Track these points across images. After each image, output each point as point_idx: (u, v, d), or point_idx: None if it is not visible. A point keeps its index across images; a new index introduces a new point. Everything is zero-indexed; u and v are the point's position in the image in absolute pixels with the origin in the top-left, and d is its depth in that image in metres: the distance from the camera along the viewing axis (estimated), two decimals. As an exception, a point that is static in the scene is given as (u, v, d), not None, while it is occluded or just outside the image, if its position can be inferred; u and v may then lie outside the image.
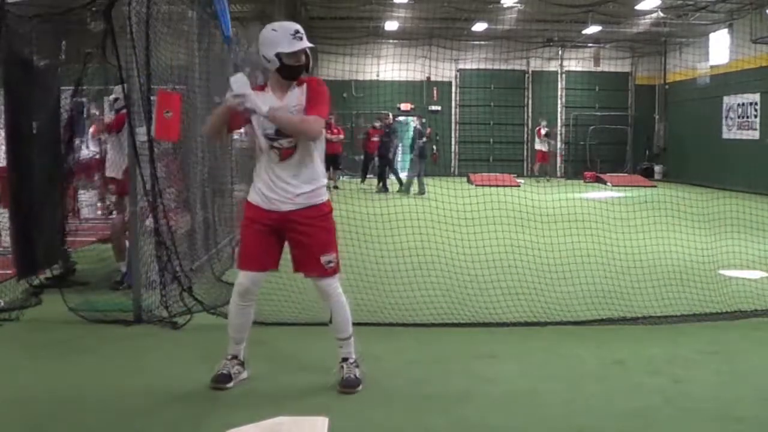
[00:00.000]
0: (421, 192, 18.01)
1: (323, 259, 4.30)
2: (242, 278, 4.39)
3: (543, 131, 24.18)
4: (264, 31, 4.31)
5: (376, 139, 20.43)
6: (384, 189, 19.29)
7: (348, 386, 4.39)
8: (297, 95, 4.31)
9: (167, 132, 6.26)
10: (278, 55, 4.19)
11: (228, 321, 4.55)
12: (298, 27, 4.27)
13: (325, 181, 4.49)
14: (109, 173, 7.51)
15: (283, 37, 4.20)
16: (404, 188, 18.62)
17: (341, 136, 20.53)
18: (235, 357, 4.55)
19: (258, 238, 4.34)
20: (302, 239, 4.31)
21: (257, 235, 4.34)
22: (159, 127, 6.13)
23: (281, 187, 4.29)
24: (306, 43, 4.25)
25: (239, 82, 4.15)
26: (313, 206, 4.33)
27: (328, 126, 20.36)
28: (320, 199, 4.37)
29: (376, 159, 20.33)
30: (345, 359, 4.49)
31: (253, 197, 4.39)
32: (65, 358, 5.18)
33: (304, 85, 4.33)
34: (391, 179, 19.86)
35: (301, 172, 4.29)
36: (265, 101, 4.24)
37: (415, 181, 18.80)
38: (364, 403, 4.26)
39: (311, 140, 4.28)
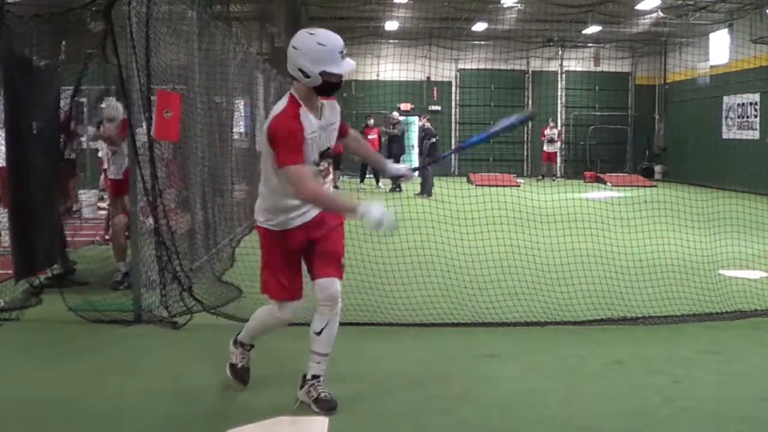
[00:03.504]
0: (429, 194, 17.85)
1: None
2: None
3: (547, 133, 24.35)
4: (305, 40, 3.84)
5: (372, 137, 20.41)
6: (397, 188, 19.35)
7: (331, 408, 4.05)
8: (329, 112, 4.05)
9: (167, 132, 6.27)
10: (322, 74, 3.82)
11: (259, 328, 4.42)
12: (342, 42, 3.90)
13: None
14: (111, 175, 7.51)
15: (331, 54, 3.81)
16: (426, 191, 18.21)
17: None
18: (252, 346, 4.45)
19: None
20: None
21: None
22: (159, 127, 6.13)
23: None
24: (352, 62, 3.91)
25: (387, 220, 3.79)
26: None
27: None
28: None
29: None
30: (317, 376, 4.14)
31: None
32: (65, 358, 5.18)
33: (333, 102, 4.09)
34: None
35: None
36: (310, 123, 3.92)
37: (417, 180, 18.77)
38: (363, 404, 4.26)
39: None
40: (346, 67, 3.86)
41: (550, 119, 24.90)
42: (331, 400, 4.08)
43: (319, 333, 4.07)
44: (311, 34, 3.86)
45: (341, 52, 3.85)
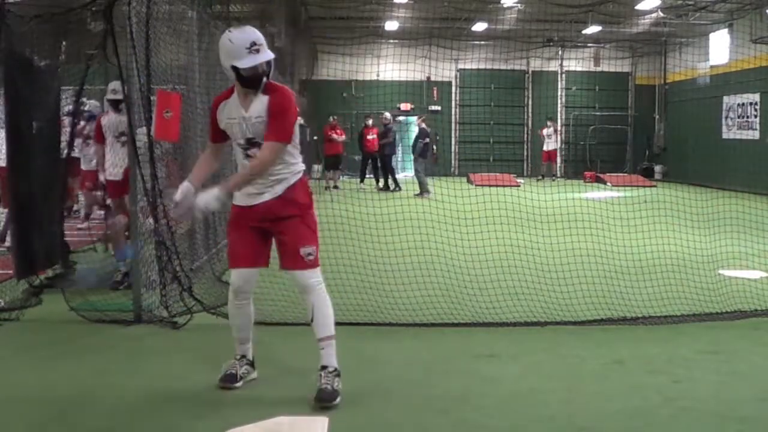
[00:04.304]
0: (428, 192, 17.85)
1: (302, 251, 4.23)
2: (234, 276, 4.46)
3: (545, 131, 24.39)
4: (222, 39, 4.14)
5: (371, 137, 20.42)
6: (396, 187, 19.55)
7: (323, 399, 4.12)
8: (261, 106, 4.17)
9: (167, 132, 6.27)
10: (234, 68, 4.08)
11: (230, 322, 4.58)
12: (256, 38, 4.08)
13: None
14: (108, 176, 7.48)
15: (238, 50, 4.04)
16: (424, 191, 18.20)
17: (343, 137, 20.59)
18: (243, 356, 4.55)
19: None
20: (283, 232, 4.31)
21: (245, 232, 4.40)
22: (159, 127, 6.13)
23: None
24: (263, 57, 4.07)
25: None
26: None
27: (332, 127, 20.45)
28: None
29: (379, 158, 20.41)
30: (324, 367, 4.25)
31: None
32: (65, 358, 5.18)
33: (268, 97, 4.17)
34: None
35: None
36: (231, 109, 4.23)
37: (415, 180, 18.79)
38: (363, 403, 4.27)
39: (273, 167, 4.18)
40: (252, 61, 4.06)
41: (548, 120, 24.89)
42: (332, 392, 4.16)
43: (312, 320, 4.28)
44: (230, 31, 4.15)
45: (249, 48, 4.06)
